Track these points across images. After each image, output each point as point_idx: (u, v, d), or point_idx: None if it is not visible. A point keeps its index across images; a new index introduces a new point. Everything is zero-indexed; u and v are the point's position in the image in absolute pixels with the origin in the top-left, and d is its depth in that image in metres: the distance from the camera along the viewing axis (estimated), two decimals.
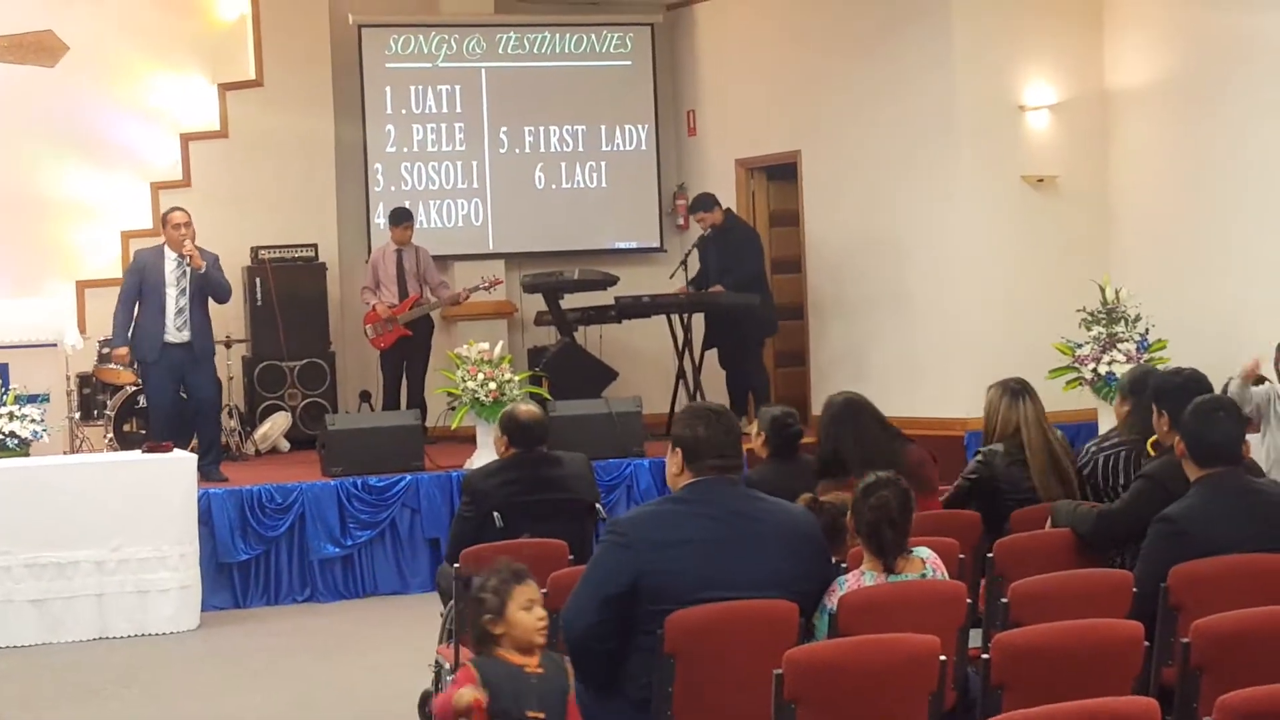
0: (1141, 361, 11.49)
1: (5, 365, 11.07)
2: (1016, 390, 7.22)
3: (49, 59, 14.27)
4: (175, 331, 11.71)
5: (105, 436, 12.83)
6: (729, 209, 14.06)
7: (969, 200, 13.19)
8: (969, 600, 5.39)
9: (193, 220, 11.86)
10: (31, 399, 10.78)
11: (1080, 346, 12.13)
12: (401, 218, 13.87)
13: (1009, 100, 13.24)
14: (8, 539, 9.94)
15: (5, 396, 10.69)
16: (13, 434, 10.47)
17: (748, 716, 4.83)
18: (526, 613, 4.69)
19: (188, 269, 11.67)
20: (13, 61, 14.21)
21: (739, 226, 14.02)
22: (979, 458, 7.22)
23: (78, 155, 14.44)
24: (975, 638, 5.68)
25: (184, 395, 11.93)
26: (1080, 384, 11.97)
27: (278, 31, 14.91)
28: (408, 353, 13.75)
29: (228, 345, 13.72)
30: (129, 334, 11.84)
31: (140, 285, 11.79)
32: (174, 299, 11.71)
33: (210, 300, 11.89)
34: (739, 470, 5.18)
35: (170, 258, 11.76)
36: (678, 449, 5.11)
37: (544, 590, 5.87)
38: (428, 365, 13.77)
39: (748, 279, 13.50)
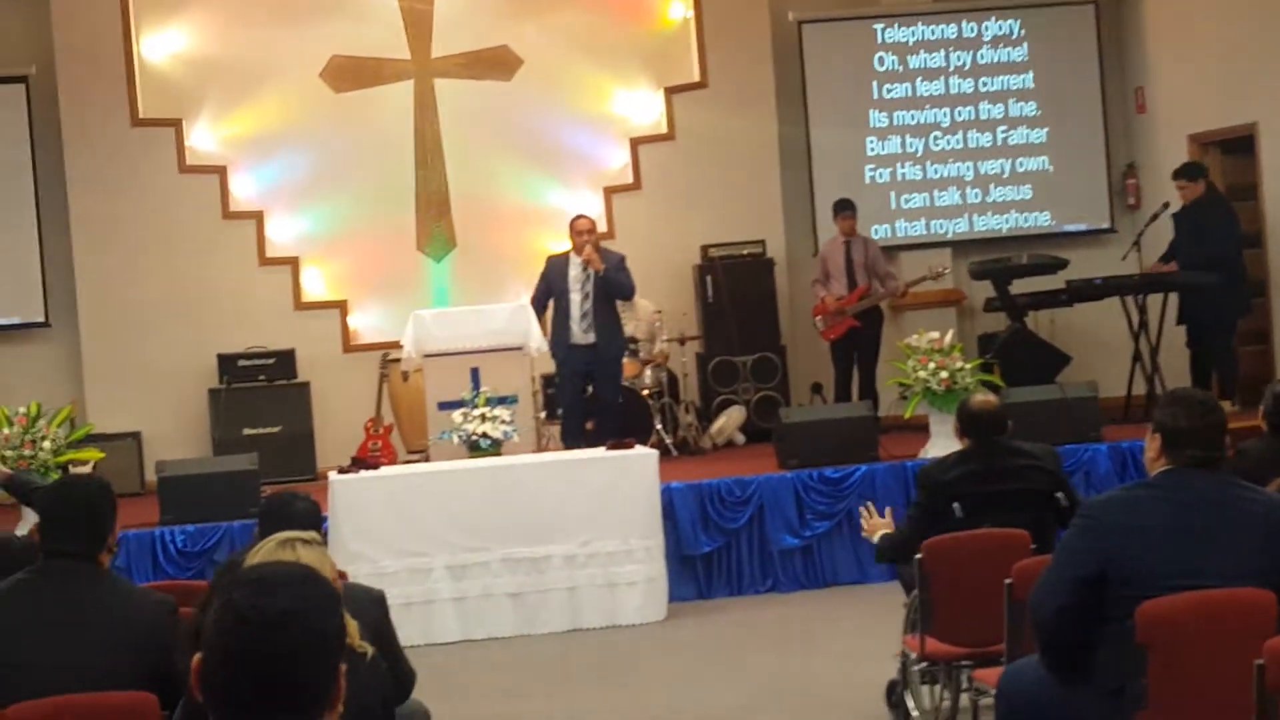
0: None
1: (476, 369, 11.53)
2: None
3: (505, 73, 14.92)
4: (580, 334, 12.26)
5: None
6: (1212, 184, 13.61)
7: None
8: None
9: (595, 227, 12.53)
10: (501, 401, 11.20)
11: None
12: (843, 208, 13.99)
13: None
14: (485, 535, 10.39)
15: (477, 399, 11.14)
16: (485, 435, 10.89)
17: (1226, 708, 4.74)
18: None
19: (590, 273, 12.13)
20: (471, 77, 14.90)
21: (1218, 202, 13.45)
22: None
23: (534, 164, 15.02)
24: None
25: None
26: None
27: (719, 33, 15.18)
28: (858, 344, 13.86)
29: (681, 343, 14.06)
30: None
31: (548, 291, 12.37)
32: (577, 303, 12.27)
33: (618, 303, 12.52)
34: (1218, 463, 5.04)
35: (574, 263, 12.34)
36: (1157, 434, 5.03)
37: (1008, 580, 5.89)
38: (878, 356, 13.82)
39: (1217, 257, 12.99)
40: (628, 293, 12.55)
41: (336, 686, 2.65)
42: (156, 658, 4.96)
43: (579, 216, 12.59)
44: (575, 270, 12.33)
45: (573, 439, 12.13)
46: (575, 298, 12.28)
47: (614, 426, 12.02)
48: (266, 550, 4.77)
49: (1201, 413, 5.01)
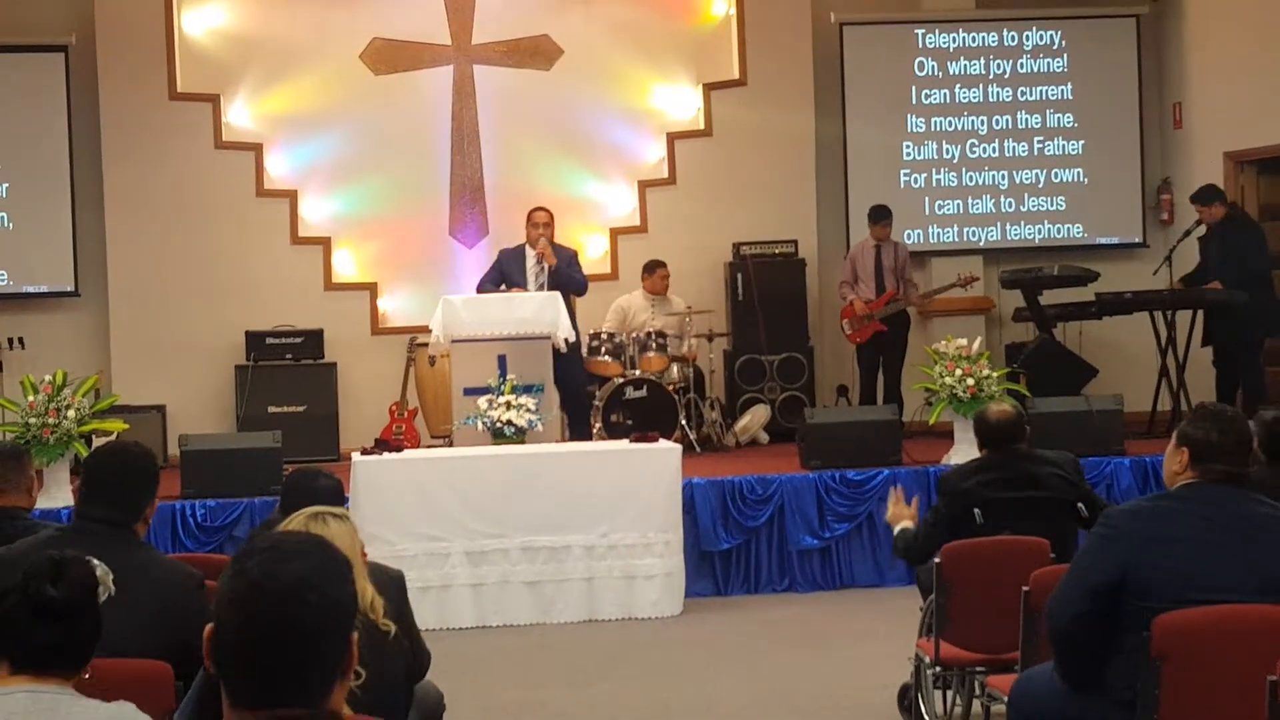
0: None
1: (503, 356, 11.53)
2: None
3: (544, 63, 14.94)
4: None
5: (594, 426, 13.27)
6: (1234, 203, 13.53)
7: None
8: None
9: (554, 221, 12.59)
10: (527, 389, 11.19)
11: None
12: (881, 215, 14.00)
13: None
14: (505, 523, 10.38)
15: (503, 386, 11.13)
16: (510, 423, 10.89)
17: None
18: None
19: (545, 266, 12.26)
20: (511, 66, 14.92)
21: (1243, 221, 13.42)
22: None
23: (569, 154, 15.04)
24: None
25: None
26: None
27: (760, 31, 15.17)
28: (884, 347, 13.87)
29: (709, 339, 14.03)
30: None
31: (500, 280, 12.46)
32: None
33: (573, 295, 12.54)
34: (1245, 480, 5.06)
35: (530, 255, 12.45)
36: (1184, 448, 5.03)
37: (1025, 588, 5.88)
38: (904, 360, 13.83)
39: (1248, 276, 12.93)
40: (579, 289, 12.66)
41: (348, 656, 2.65)
42: (181, 629, 4.94)
43: (536, 209, 12.66)
44: (531, 263, 12.46)
45: None
46: (531, 289, 12.34)
47: (584, 417, 12.53)
48: (298, 522, 4.78)
49: (1232, 428, 5.03)
